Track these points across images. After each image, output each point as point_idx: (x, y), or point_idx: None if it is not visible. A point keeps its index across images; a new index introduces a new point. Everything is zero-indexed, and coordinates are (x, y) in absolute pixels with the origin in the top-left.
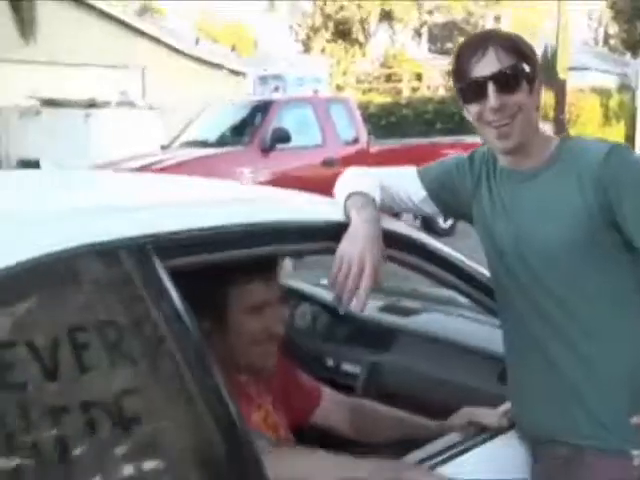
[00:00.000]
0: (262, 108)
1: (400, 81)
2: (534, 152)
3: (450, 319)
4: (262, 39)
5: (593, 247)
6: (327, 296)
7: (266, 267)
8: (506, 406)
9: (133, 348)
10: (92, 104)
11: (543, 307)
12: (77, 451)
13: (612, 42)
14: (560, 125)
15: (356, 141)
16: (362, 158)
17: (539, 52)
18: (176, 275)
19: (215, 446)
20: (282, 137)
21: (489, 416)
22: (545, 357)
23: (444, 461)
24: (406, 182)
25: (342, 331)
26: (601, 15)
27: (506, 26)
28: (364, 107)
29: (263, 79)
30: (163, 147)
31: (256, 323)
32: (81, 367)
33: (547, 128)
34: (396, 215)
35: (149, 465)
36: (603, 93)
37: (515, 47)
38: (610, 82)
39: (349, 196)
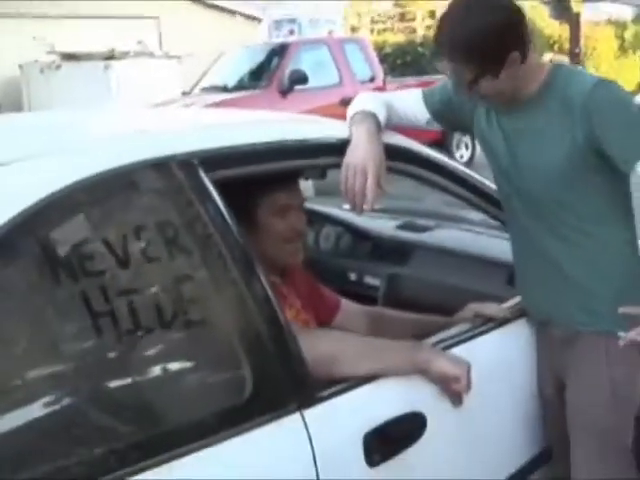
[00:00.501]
0: (278, 51)
1: (414, 19)
2: (525, 85)
3: (461, 234)
4: None
5: (581, 171)
6: (348, 217)
7: (288, 178)
8: (510, 302)
9: (187, 243)
10: (111, 56)
11: (542, 217)
12: (145, 324)
13: None
14: (575, 58)
15: (372, 80)
16: None
17: None
18: (217, 186)
19: (259, 325)
20: (299, 78)
21: (494, 308)
22: (545, 257)
23: (457, 344)
24: (412, 103)
25: (363, 249)
26: None
27: None
28: (379, 47)
29: (278, 23)
30: (184, 93)
31: (282, 224)
32: (147, 258)
33: (563, 60)
34: None
35: (203, 339)
36: (618, 25)
37: (465, 51)
38: (626, 13)
39: (354, 115)
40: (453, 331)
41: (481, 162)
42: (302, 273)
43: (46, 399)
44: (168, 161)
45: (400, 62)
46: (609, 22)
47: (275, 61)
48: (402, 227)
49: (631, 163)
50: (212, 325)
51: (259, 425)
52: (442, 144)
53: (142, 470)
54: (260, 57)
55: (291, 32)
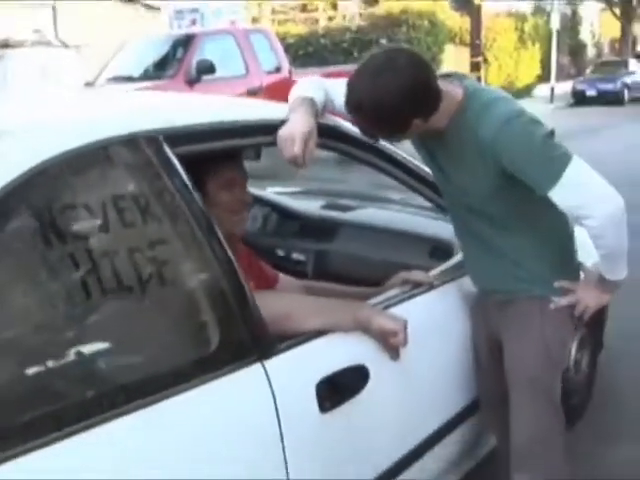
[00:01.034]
0: (184, 41)
1: (316, 10)
2: (435, 124)
3: (382, 212)
4: None
5: (505, 188)
6: (275, 199)
7: (233, 154)
8: (435, 270)
9: (157, 210)
10: (6, 44)
11: (475, 212)
12: (125, 281)
13: None
14: (476, 49)
15: (278, 70)
16: (285, 86)
17: None
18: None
19: (223, 285)
20: (207, 68)
21: (421, 275)
22: (481, 239)
23: (394, 304)
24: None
25: (290, 227)
26: None
27: None
28: (281, 38)
29: (179, 13)
30: (87, 84)
31: (229, 196)
32: (124, 223)
33: (464, 51)
34: None
35: (174, 297)
36: (518, 17)
37: (371, 118)
38: (525, 6)
39: (294, 99)
40: (390, 294)
41: None
42: (242, 246)
43: (37, 343)
44: (137, 137)
45: (302, 53)
46: (509, 14)
47: (181, 51)
48: (326, 207)
49: (544, 189)
50: (182, 284)
51: (226, 373)
52: None
53: (128, 412)
54: (165, 47)
55: (193, 22)
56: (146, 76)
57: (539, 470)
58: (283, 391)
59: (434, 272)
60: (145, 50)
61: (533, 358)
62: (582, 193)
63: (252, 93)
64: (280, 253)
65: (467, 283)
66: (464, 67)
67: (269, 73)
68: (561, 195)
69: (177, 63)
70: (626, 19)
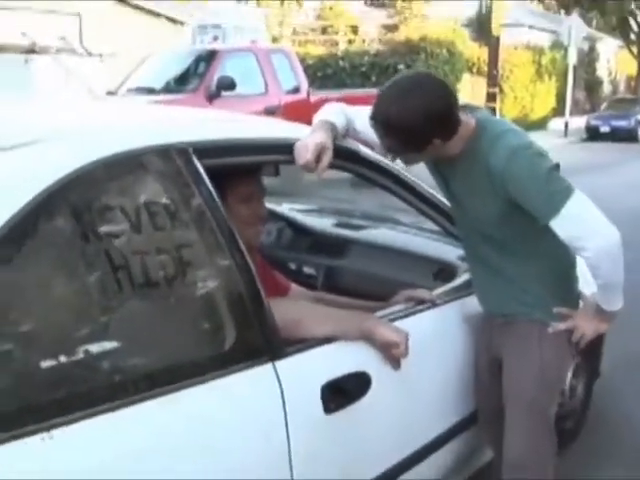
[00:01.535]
0: (207, 57)
1: (336, 33)
2: (449, 151)
3: (391, 232)
4: None
5: (513, 215)
6: (289, 214)
7: (253, 170)
8: (439, 290)
9: (184, 216)
10: (32, 49)
11: (485, 237)
12: (152, 279)
13: (546, 0)
14: (493, 80)
15: (297, 90)
16: (303, 107)
17: (474, 9)
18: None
19: (241, 288)
20: (227, 85)
21: (425, 293)
22: (489, 264)
23: (398, 318)
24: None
25: (302, 242)
26: None
27: None
28: (301, 59)
29: (202, 28)
30: (109, 93)
31: (247, 209)
32: (154, 226)
33: (481, 82)
34: None
35: (196, 298)
36: (536, 50)
37: (393, 132)
38: (543, 39)
39: (315, 122)
40: (394, 309)
41: None
42: (258, 257)
43: (73, 332)
44: (169, 148)
45: (321, 74)
46: (527, 47)
47: (203, 66)
48: (339, 225)
49: (546, 219)
50: (203, 286)
51: (239, 370)
52: None
53: (152, 397)
54: (188, 61)
55: (215, 38)
56: (167, 89)
57: None
58: (291, 390)
59: (437, 291)
60: (168, 63)
61: (529, 379)
62: (580, 225)
63: (270, 112)
64: (292, 266)
65: (468, 303)
66: (480, 97)
67: (288, 93)
68: (561, 226)
69: (199, 78)
70: None
